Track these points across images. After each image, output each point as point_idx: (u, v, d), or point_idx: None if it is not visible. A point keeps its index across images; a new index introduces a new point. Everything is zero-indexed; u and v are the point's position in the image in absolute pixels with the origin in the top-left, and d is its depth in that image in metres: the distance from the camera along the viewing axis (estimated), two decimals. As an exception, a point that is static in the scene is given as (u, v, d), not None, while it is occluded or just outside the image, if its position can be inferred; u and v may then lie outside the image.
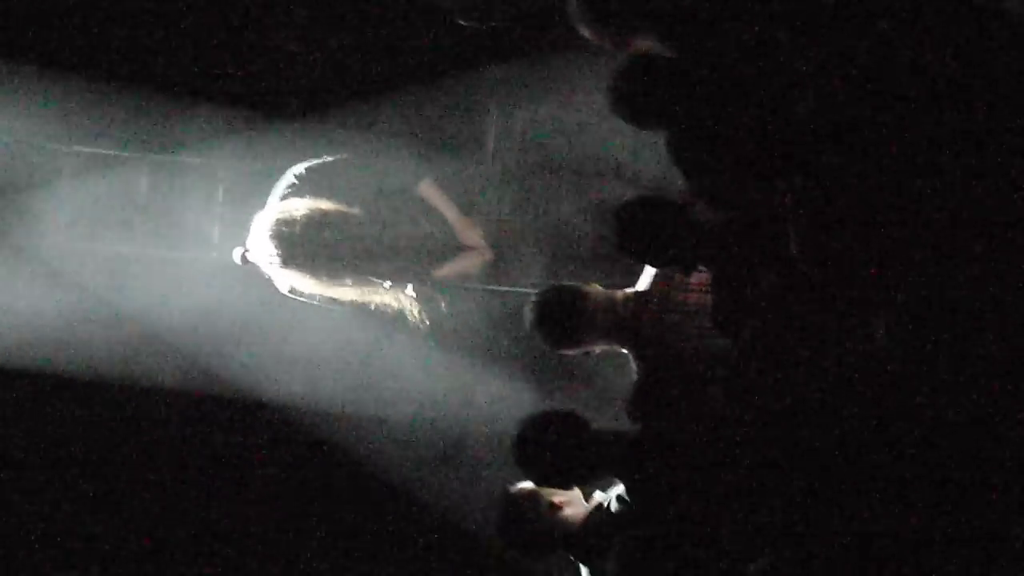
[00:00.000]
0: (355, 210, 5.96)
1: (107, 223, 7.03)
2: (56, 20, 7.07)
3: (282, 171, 6.19)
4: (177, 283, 6.83)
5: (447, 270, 6.16)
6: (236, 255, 5.97)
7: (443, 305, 6.14)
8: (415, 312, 6.07)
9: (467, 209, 6.21)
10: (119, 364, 6.92)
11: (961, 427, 3.86)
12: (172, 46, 7.09)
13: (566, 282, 4.94)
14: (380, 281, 6.00)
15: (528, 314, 4.87)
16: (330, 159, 6.14)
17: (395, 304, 6.04)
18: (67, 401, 7.09)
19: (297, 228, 5.83)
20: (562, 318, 4.82)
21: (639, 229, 4.53)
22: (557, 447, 4.47)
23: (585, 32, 4.75)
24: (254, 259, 5.94)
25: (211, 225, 6.92)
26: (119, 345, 6.93)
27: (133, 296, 6.91)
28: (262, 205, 6.10)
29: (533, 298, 4.89)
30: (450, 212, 6.16)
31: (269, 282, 5.97)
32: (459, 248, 6.16)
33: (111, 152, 7.07)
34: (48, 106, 6.94)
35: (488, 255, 6.18)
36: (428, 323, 6.11)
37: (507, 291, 6.21)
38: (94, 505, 7.17)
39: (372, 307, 6.00)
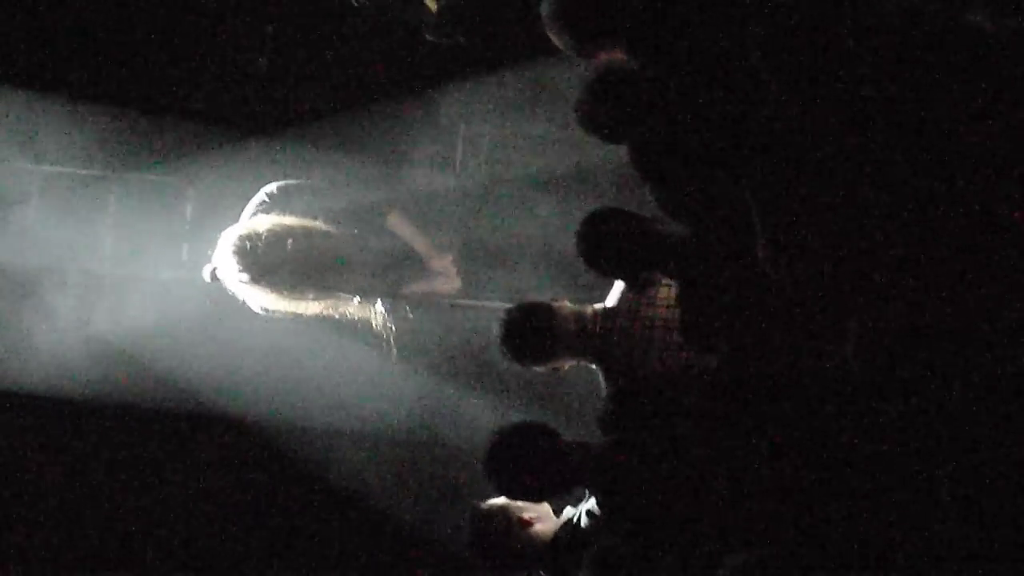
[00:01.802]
0: (319, 224, 5.94)
1: (76, 242, 7.02)
2: (23, 39, 7.06)
3: (251, 189, 6.18)
4: (146, 301, 6.81)
5: (416, 289, 6.15)
6: (205, 273, 5.95)
7: (412, 320, 6.13)
8: (384, 327, 6.05)
9: (435, 226, 6.21)
10: (88, 383, 6.90)
11: (929, 442, 3.86)
12: (141, 65, 7.09)
13: (535, 298, 4.93)
14: (348, 296, 5.98)
15: (497, 331, 4.86)
16: (303, 181, 6.12)
17: (362, 319, 6.02)
18: (34, 420, 7.07)
19: (259, 242, 5.81)
20: (531, 335, 4.81)
21: (603, 242, 4.53)
22: (527, 460, 4.46)
23: (556, 40, 4.75)
24: (222, 276, 5.92)
25: (180, 243, 6.91)
26: (88, 364, 6.91)
27: (102, 315, 6.89)
28: (231, 223, 6.08)
29: (502, 315, 4.88)
30: (419, 242, 6.14)
31: (238, 299, 5.95)
32: (429, 273, 6.15)
33: (80, 171, 7.05)
34: (16, 125, 6.93)
35: (457, 284, 6.17)
36: (397, 339, 6.09)
37: (476, 306, 6.21)
38: (63, 523, 7.15)
39: (338, 322, 5.98)
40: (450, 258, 6.19)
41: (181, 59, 7.07)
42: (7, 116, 6.94)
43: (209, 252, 5.98)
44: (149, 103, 7.04)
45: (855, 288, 3.99)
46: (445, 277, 6.18)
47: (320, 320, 5.96)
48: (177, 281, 6.77)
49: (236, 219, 6.11)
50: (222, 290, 5.94)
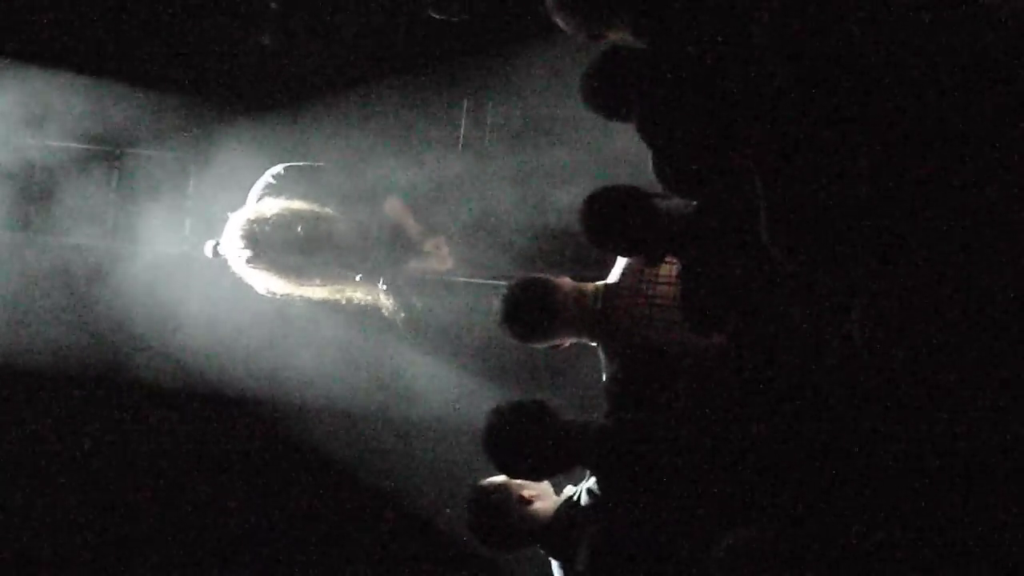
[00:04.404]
0: (327, 209, 5.93)
1: (78, 216, 7.02)
2: (25, 15, 7.05)
3: (253, 164, 6.18)
4: (148, 276, 6.81)
5: (410, 268, 6.16)
6: (207, 248, 5.95)
7: (415, 298, 6.14)
8: (388, 305, 6.06)
9: (438, 203, 6.21)
10: (90, 357, 6.91)
11: (936, 418, 3.85)
12: (142, 40, 7.08)
13: (536, 274, 4.90)
14: (352, 275, 5.98)
15: (498, 307, 4.84)
16: (308, 163, 6.12)
17: (367, 299, 6.03)
18: (38, 395, 7.08)
19: (267, 226, 5.81)
20: (531, 311, 4.79)
21: (607, 218, 4.52)
22: (526, 438, 4.46)
23: (561, 23, 4.73)
24: (228, 258, 5.92)
25: (182, 218, 6.91)
26: (90, 338, 6.92)
27: (104, 289, 6.90)
28: (232, 198, 6.08)
29: (503, 291, 4.86)
30: (411, 225, 6.15)
31: (240, 275, 5.95)
32: (421, 253, 6.16)
33: (81, 145, 7.05)
34: (20, 100, 6.92)
35: (449, 263, 6.19)
36: (401, 316, 6.10)
37: (479, 283, 6.20)
38: (65, 500, 7.16)
39: (343, 303, 5.99)
40: (442, 239, 6.19)
41: (184, 34, 7.06)
42: (10, 91, 6.92)
43: (211, 227, 5.98)
44: (152, 78, 7.03)
45: (860, 266, 3.98)
46: (437, 257, 6.18)
47: (326, 301, 5.96)
48: (179, 255, 6.77)
49: (238, 194, 6.11)
50: (224, 265, 5.94)
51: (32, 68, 6.94)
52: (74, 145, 7.04)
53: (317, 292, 5.95)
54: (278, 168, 6.07)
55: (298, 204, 5.90)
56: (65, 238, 7.01)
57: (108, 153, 7.06)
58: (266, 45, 7.04)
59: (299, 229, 5.83)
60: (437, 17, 6.40)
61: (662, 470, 4.27)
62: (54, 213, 7.00)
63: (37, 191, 7.03)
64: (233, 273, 5.92)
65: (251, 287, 5.93)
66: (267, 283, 5.88)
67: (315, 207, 5.92)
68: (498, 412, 4.50)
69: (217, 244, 5.92)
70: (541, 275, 4.88)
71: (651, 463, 4.30)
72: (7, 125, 6.92)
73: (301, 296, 5.93)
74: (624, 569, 4.28)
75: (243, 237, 5.82)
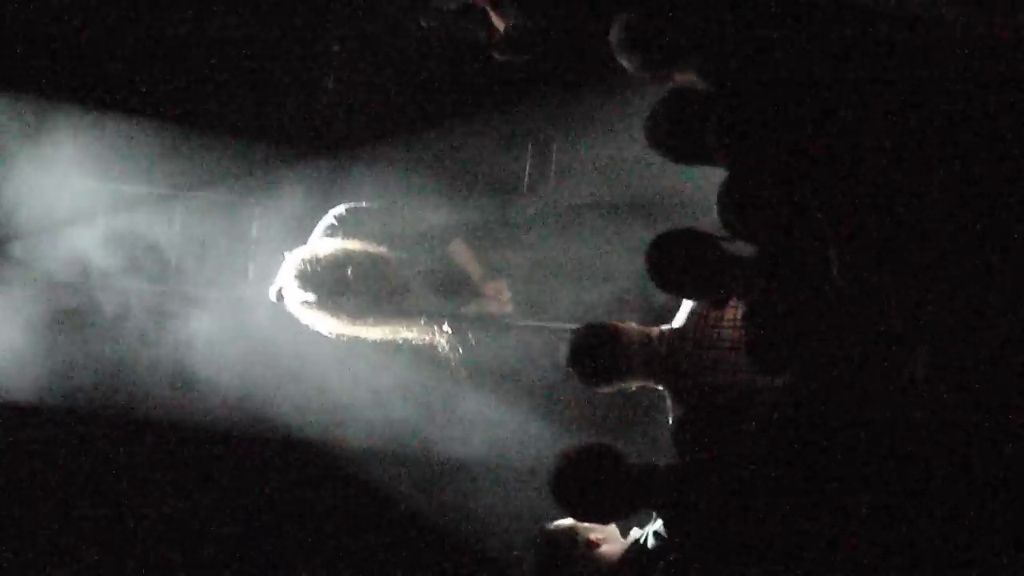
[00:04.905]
0: (382, 250, 5.96)
1: (142, 260, 7.05)
2: (94, 62, 7.11)
3: (316, 208, 6.21)
4: (212, 320, 6.84)
5: (469, 311, 6.17)
6: (271, 292, 5.98)
7: (475, 342, 6.14)
8: (449, 348, 6.07)
9: (501, 246, 6.23)
10: (154, 401, 6.93)
11: (1003, 460, 3.83)
12: (206, 84, 7.13)
13: (602, 320, 4.92)
14: (413, 317, 6.00)
15: (565, 352, 4.86)
16: (371, 204, 6.15)
17: (427, 340, 6.04)
18: (103, 438, 7.11)
19: (320, 266, 5.85)
20: (598, 356, 4.82)
21: (672, 262, 4.52)
22: (595, 482, 4.46)
23: (627, 64, 4.75)
24: (286, 298, 5.96)
25: (246, 262, 6.94)
26: (154, 382, 6.94)
27: (168, 332, 6.92)
28: (295, 242, 6.11)
29: (569, 336, 4.88)
30: (474, 267, 6.17)
31: (296, 314, 5.98)
32: (481, 297, 6.18)
33: (146, 190, 7.09)
34: (85, 144, 6.97)
35: (509, 307, 6.20)
36: (461, 359, 6.10)
37: (543, 327, 6.20)
38: (130, 541, 7.19)
39: (401, 344, 6.00)
40: (503, 283, 6.22)
41: (248, 78, 7.10)
42: (75, 136, 6.98)
43: (275, 271, 6.01)
44: (216, 122, 7.08)
45: (926, 310, 3.97)
46: (497, 301, 6.20)
47: (384, 342, 5.97)
48: (243, 300, 6.80)
49: (301, 238, 6.14)
50: (288, 309, 5.97)
51: (97, 112, 6.99)
52: (138, 189, 7.08)
53: (373, 332, 5.97)
54: (341, 209, 6.11)
55: (353, 245, 5.94)
56: (129, 282, 7.04)
57: (172, 197, 7.10)
58: (329, 88, 7.08)
59: (349, 270, 5.86)
60: (501, 60, 6.42)
61: (730, 513, 4.27)
62: (119, 257, 7.04)
63: (101, 235, 7.08)
64: (293, 315, 5.95)
65: (312, 329, 5.96)
66: (321, 322, 5.91)
67: (370, 248, 5.95)
68: (566, 456, 4.51)
69: (280, 289, 5.96)
70: (607, 320, 4.90)
71: (719, 506, 4.30)
72: (74, 170, 6.97)
73: (357, 336, 5.95)
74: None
75: (297, 276, 5.87)
